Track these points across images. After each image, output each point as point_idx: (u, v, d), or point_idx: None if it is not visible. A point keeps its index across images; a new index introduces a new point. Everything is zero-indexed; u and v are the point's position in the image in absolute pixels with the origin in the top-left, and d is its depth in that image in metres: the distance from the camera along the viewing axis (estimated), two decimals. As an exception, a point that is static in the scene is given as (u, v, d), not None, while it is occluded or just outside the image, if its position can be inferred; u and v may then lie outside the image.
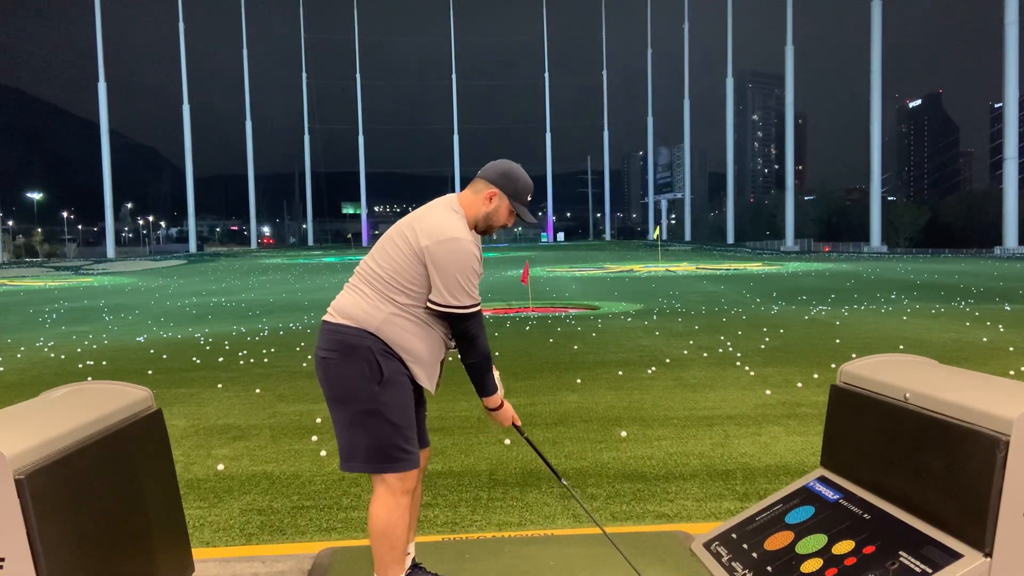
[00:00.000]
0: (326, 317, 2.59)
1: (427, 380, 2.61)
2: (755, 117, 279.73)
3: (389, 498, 2.52)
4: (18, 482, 1.83)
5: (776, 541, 2.71)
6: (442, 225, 2.50)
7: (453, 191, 2.72)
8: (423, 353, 2.57)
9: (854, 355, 3.86)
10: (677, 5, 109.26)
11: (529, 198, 2.66)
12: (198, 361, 9.56)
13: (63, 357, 10.27)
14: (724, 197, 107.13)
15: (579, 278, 32.56)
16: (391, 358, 2.52)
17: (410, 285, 2.51)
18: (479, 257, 2.56)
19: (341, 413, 2.53)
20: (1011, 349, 9.11)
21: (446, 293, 2.48)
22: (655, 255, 54.86)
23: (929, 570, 2.14)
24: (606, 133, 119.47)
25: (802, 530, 2.68)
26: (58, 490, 1.98)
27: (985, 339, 10.07)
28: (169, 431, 2.79)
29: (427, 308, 2.53)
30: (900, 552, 2.28)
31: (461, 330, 2.56)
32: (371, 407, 2.48)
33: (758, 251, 76.44)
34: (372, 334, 2.50)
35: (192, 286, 33.54)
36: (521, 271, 19.35)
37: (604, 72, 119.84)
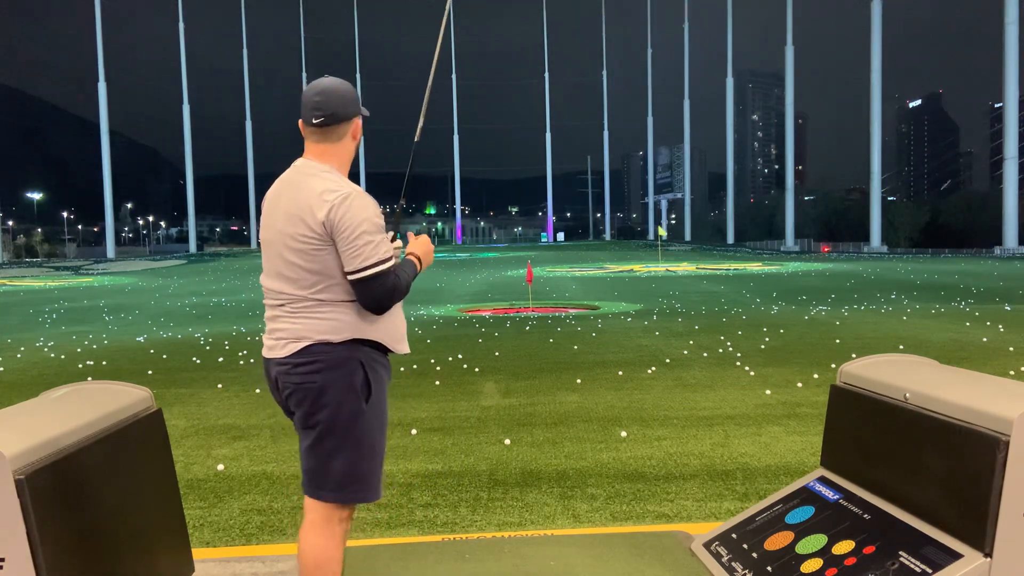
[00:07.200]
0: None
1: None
2: (755, 117, 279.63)
3: (336, 526, 2.26)
4: (18, 482, 1.83)
5: (776, 541, 2.71)
6: None
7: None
8: None
9: (854, 355, 3.86)
10: (677, 5, 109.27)
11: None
12: (198, 361, 9.56)
13: (63, 357, 10.27)
14: (724, 197, 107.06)
15: (579, 278, 32.55)
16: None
17: None
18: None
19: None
20: (1011, 349, 9.11)
21: None
22: (655, 255, 54.83)
23: (929, 570, 2.14)
24: (606, 133, 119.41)
25: (802, 530, 2.68)
26: (58, 490, 1.98)
27: (985, 339, 10.07)
28: (169, 431, 2.79)
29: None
30: (900, 552, 2.28)
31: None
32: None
33: (758, 251, 76.39)
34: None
35: (192, 286, 33.52)
36: (522, 271, 19.34)
37: (604, 72, 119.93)
